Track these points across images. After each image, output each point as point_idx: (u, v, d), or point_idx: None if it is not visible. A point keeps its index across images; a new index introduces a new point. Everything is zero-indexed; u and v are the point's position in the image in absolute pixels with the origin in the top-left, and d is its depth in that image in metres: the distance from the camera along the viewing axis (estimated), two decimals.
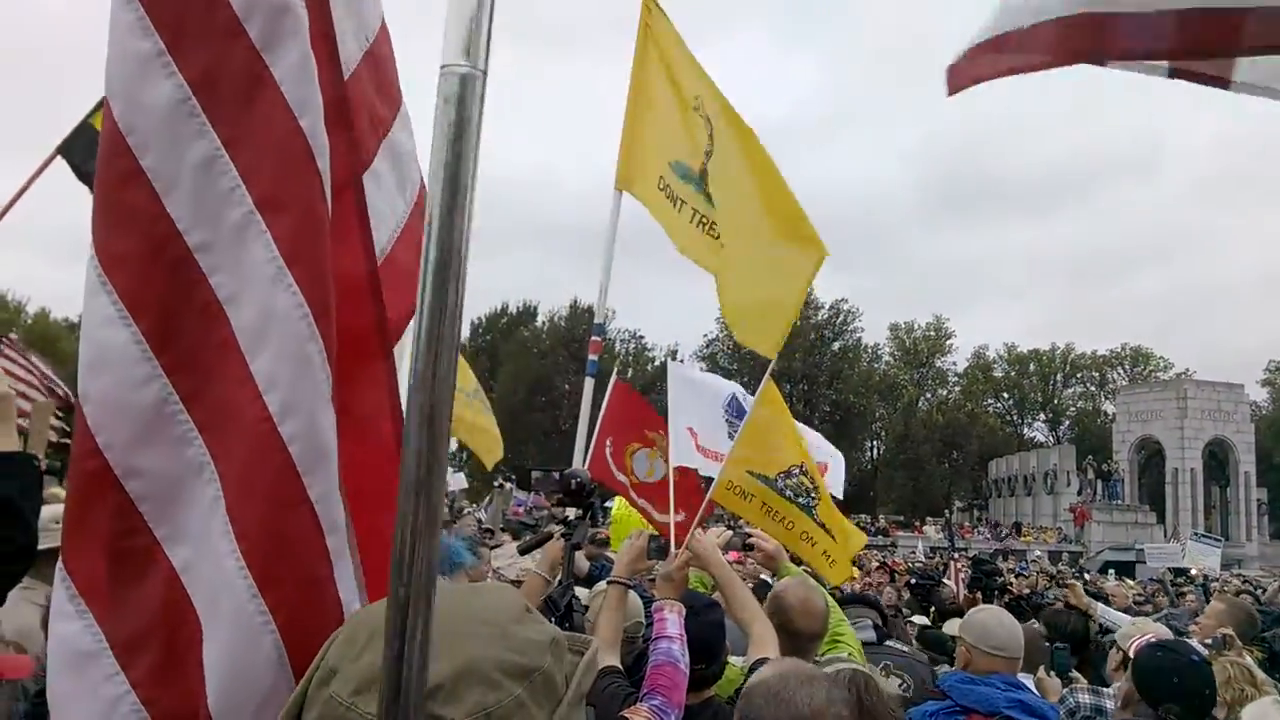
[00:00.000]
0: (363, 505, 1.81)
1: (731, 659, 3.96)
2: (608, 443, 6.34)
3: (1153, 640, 4.44)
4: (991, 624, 4.40)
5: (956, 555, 14.74)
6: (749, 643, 3.79)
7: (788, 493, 5.00)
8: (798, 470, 5.00)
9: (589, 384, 6.17)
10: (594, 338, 6.48)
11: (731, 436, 5.89)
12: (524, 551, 4.37)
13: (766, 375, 4.79)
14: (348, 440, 1.76)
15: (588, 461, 6.09)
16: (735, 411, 6.41)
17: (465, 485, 27.15)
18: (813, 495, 5.09)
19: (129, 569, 1.62)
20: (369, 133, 2.02)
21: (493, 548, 9.50)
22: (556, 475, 3.94)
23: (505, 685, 1.13)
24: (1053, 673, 5.88)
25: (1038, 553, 35.56)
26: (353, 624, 1.25)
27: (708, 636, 3.61)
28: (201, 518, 1.65)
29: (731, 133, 5.71)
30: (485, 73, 1.27)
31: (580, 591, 4.73)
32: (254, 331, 1.66)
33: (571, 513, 4.12)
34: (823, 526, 5.19)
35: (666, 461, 6.06)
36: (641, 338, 71.46)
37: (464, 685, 1.11)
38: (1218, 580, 20.00)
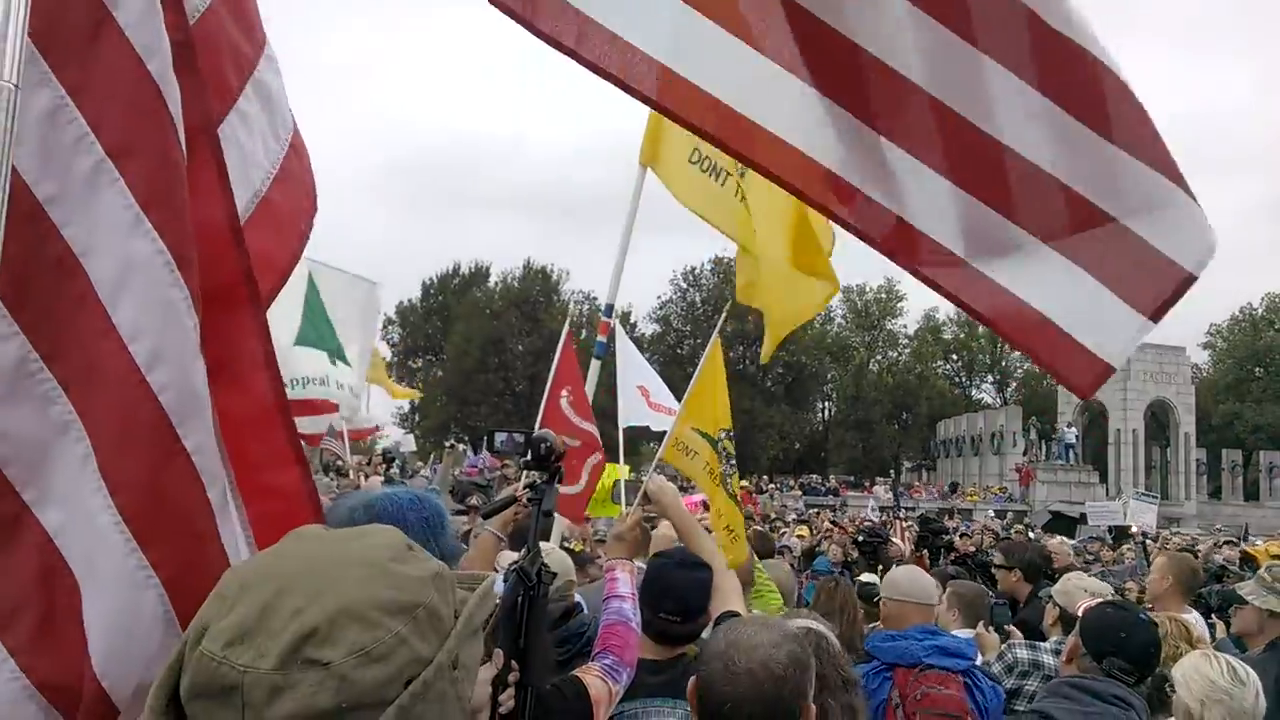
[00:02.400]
0: (246, 463, 1.78)
1: None
2: (564, 393, 6.25)
3: (1103, 600, 4.56)
4: (899, 576, 5.05)
5: (902, 514, 14.99)
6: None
7: (722, 453, 4.97)
8: (724, 435, 4.97)
9: (595, 365, 6.10)
10: (603, 319, 6.36)
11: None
12: (487, 516, 4.35)
13: (715, 333, 4.78)
14: (223, 396, 1.73)
15: (540, 417, 6.02)
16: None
17: (414, 447, 27.14)
18: (731, 463, 5.04)
19: None
20: (232, 72, 1.97)
21: None
22: (521, 438, 3.87)
23: (384, 623, 1.12)
24: (991, 628, 6.02)
25: (991, 513, 36.13)
26: (222, 580, 1.22)
27: (686, 591, 3.56)
28: (71, 478, 1.59)
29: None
30: (17, 87, 1.21)
31: None
32: (113, 282, 1.62)
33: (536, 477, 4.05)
34: (734, 499, 5.15)
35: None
36: (595, 299, 71.28)
37: (340, 627, 1.09)
38: (1155, 538, 20.47)
